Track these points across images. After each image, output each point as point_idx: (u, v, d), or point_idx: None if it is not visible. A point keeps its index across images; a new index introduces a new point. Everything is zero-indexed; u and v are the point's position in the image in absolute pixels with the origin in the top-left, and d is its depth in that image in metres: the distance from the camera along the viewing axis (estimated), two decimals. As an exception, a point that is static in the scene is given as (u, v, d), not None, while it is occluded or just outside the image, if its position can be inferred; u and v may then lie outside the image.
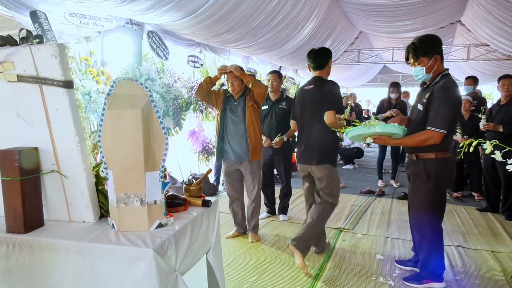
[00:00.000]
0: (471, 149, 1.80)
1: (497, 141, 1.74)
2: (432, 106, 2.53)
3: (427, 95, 2.60)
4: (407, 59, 2.72)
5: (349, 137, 2.71)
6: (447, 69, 2.65)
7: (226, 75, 3.51)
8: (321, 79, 3.18)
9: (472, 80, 5.87)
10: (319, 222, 3.15)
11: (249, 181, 3.70)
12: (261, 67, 8.18)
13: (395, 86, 6.08)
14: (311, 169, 3.19)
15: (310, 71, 3.28)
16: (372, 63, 11.86)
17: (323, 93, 3.08)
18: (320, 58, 3.18)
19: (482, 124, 4.53)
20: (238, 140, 3.57)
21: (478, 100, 5.64)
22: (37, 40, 1.61)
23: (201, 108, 5.86)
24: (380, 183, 6.32)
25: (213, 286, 1.97)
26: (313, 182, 3.28)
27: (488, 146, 1.70)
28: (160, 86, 4.60)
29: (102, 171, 1.72)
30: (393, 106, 6.00)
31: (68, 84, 1.60)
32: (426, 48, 2.60)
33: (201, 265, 1.96)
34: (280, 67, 9.33)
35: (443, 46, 2.70)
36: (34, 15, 3.17)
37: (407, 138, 2.63)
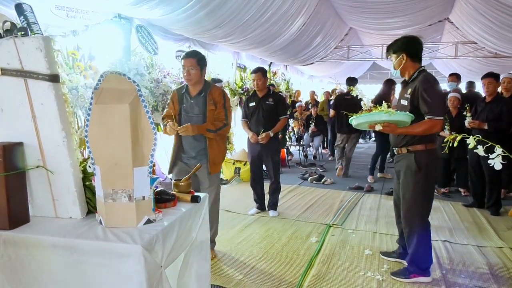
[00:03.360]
0: (455, 144, 1.82)
1: (480, 136, 1.77)
2: (423, 97, 2.63)
3: (409, 90, 2.73)
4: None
5: (354, 123, 2.72)
6: (423, 66, 2.81)
7: (183, 61, 2.96)
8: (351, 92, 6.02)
9: (455, 77, 5.97)
10: (350, 159, 6.95)
11: (205, 188, 3.05)
12: (250, 63, 8.16)
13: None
14: (349, 136, 6.66)
15: (346, 85, 6.82)
16: (361, 59, 11.93)
17: (357, 101, 4.91)
18: (353, 81, 6.59)
19: (467, 122, 4.58)
20: (195, 147, 3.03)
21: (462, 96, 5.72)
22: (21, 33, 1.58)
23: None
24: (370, 178, 6.38)
25: (187, 280, 1.95)
26: (344, 146, 6.84)
27: (471, 141, 1.72)
28: (149, 81, 4.55)
29: (89, 166, 1.69)
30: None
31: (54, 78, 1.56)
32: (395, 47, 2.84)
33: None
34: (271, 63, 9.31)
35: (431, 43, 2.81)
36: (19, 7, 3.10)
37: (413, 127, 2.66)
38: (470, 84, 6.67)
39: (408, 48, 2.78)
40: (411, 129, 2.67)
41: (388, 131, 2.71)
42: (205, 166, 3.01)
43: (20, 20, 2.12)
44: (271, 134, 4.28)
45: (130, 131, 1.51)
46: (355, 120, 2.70)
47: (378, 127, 2.62)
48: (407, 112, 2.67)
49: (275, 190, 4.55)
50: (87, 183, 1.73)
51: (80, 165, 1.72)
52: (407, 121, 2.63)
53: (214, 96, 3.01)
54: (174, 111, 3.04)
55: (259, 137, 4.25)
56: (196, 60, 2.93)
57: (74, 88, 3.31)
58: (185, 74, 2.97)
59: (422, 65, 2.83)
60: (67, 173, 1.65)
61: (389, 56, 2.92)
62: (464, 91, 6.37)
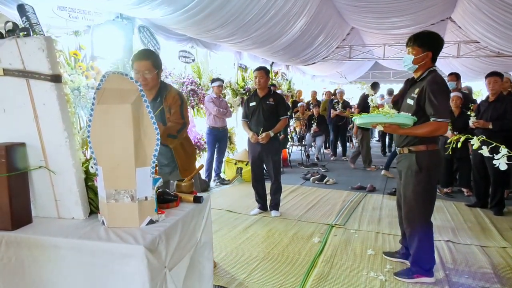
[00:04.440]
0: (459, 144, 1.81)
1: (484, 137, 1.75)
2: (430, 98, 2.58)
3: (416, 90, 2.68)
4: (407, 44, 2.79)
5: (357, 123, 2.74)
6: (435, 66, 2.74)
7: (135, 64, 2.55)
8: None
9: (455, 76, 5.97)
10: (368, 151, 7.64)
11: None
12: (252, 63, 8.16)
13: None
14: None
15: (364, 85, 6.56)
16: (363, 59, 11.89)
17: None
18: (376, 85, 7.37)
19: (471, 122, 4.56)
20: (165, 154, 2.75)
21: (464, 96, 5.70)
22: (23, 33, 1.57)
23: (192, 104, 5.83)
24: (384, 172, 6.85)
25: (193, 282, 1.95)
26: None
27: (475, 142, 1.71)
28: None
29: (92, 167, 1.69)
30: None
31: (56, 78, 1.56)
32: (424, 40, 2.68)
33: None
34: (272, 63, 9.30)
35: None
36: (21, 8, 3.10)
37: (416, 128, 2.63)
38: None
39: (437, 47, 2.68)
40: (415, 130, 2.63)
41: (390, 132, 2.70)
42: (177, 173, 2.78)
43: (22, 21, 2.12)
44: (272, 134, 4.27)
45: (133, 131, 1.51)
46: (358, 120, 2.71)
47: (379, 128, 2.64)
48: (408, 114, 2.64)
49: (276, 190, 4.54)
50: (89, 183, 1.73)
51: (82, 166, 1.72)
52: (408, 123, 2.61)
53: (168, 101, 2.64)
54: None
55: (259, 137, 4.25)
56: (152, 62, 2.54)
57: (76, 88, 3.31)
58: (140, 80, 2.50)
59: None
60: (69, 173, 1.65)
61: (410, 47, 2.72)
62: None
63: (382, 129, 2.63)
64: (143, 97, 1.56)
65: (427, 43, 2.67)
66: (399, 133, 2.72)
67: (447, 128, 2.61)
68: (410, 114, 2.65)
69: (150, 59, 2.54)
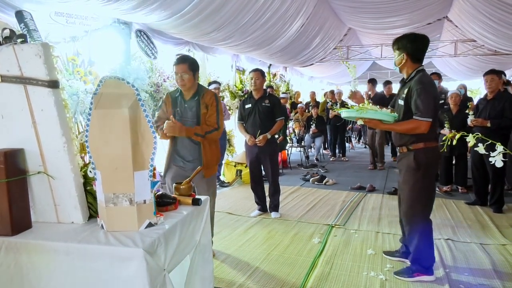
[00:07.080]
0: (454, 142, 1.82)
1: (479, 134, 1.77)
2: (413, 98, 2.66)
3: (405, 90, 2.76)
4: (392, 47, 2.95)
5: (343, 116, 2.87)
6: (422, 66, 2.81)
7: (175, 67, 2.94)
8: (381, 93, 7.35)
9: (437, 76, 6.14)
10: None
11: (202, 192, 2.98)
12: (250, 65, 8.18)
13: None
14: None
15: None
16: (361, 59, 11.92)
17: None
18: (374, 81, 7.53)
19: (470, 120, 4.57)
20: (193, 150, 3.01)
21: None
22: (20, 40, 1.59)
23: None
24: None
25: (194, 284, 1.96)
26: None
27: (471, 139, 1.73)
28: (149, 85, 4.57)
29: (90, 171, 1.70)
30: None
31: (53, 84, 1.58)
32: (399, 44, 2.81)
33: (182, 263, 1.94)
34: (270, 65, 9.32)
35: (430, 42, 2.86)
36: (19, 15, 3.12)
37: (397, 125, 2.76)
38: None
39: (411, 48, 2.76)
40: (395, 126, 2.76)
41: (372, 126, 2.84)
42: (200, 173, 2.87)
43: (21, 27, 2.14)
44: (269, 136, 4.28)
45: (130, 135, 1.52)
46: (343, 113, 2.83)
47: (359, 122, 2.78)
48: (387, 111, 2.74)
49: (275, 191, 4.54)
50: (88, 188, 1.74)
51: (81, 170, 1.73)
52: (388, 119, 2.71)
53: (205, 99, 2.99)
54: (168, 114, 2.99)
55: (256, 139, 4.26)
56: (188, 65, 2.93)
57: (74, 93, 3.32)
58: (178, 81, 2.96)
59: (422, 64, 2.83)
60: (68, 178, 1.66)
61: (393, 50, 2.91)
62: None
63: (361, 123, 2.78)
64: (140, 101, 1.57)
65: (402, 46, 2.79)
66: (381, 128, 2.90)
67: (427, 127, 2.64)
68: (389, 111, 2.79)
69: (186, 62, 2.94)
